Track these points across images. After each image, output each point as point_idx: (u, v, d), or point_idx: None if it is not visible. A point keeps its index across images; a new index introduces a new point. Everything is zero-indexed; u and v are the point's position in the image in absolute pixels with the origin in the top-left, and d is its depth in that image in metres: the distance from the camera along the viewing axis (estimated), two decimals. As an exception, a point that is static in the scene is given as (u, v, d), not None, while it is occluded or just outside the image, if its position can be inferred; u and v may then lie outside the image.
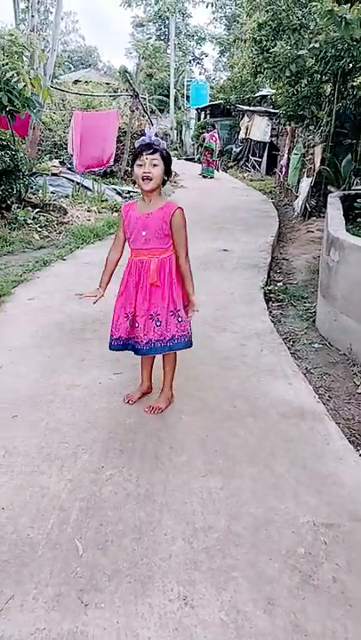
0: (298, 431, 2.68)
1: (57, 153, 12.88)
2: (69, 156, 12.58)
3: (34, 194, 8.53)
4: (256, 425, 2.72)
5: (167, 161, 2.54)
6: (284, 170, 12.44)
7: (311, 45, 7.23)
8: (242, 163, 20.35)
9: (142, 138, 2.54)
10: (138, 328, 2.64)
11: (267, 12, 8.66)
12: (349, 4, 5.83)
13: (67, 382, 3.13)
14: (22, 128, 8.99)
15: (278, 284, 5.53)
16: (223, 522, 2.03)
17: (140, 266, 2.63)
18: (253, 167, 18.92)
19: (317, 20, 6.90)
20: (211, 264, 5.94)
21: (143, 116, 14.71)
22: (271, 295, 5.08)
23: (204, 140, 17.61)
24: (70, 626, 1.60)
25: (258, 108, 19.23)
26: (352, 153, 7.99)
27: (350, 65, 7.46)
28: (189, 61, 38.44)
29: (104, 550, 1.88)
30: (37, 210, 7.86)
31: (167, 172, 2.56)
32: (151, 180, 2.49)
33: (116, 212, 9.40)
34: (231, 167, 20.53)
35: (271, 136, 17.02)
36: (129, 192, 11.23)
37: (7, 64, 6.49)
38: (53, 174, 10.39)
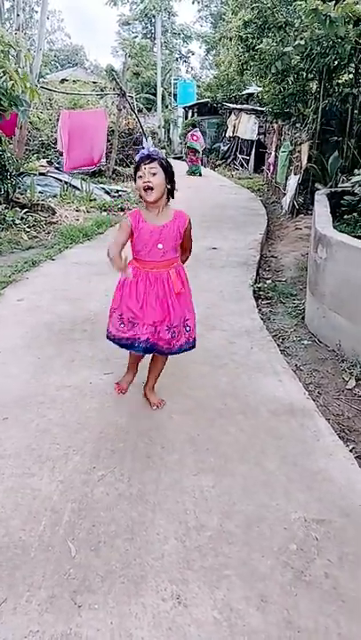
0: (288, 428, 2.69)
1: (44, 152, 12.81)
2: (57, 155, 12.51)
3: (22, 194, 8.47)
4: (247, 422, 2.73)
5: (167, 170, 2.52)
6: (271, 168, 12.48)
7: (296, 43, 7.24)
8: (230, 161, 20.36)
9: (141, 151, 2.54)
10: (162, 336, 2.66)
11: (252, 9, 8.68)
12: (333, 2, 5.86)
13: (57, 383, 3.11)
14: (9, 127, 8.91)
15: (267, 281, 5.55)
16: (215, 520, 2.04)
17: (158, 277, 2.61)
18: (241, 165, 18.95)
19: (302, 18, 6.91)
20: (200, 262, 5.94)
21: (131, 115, 14.68)
22: (260, 293, 5.10)
23: (184, 137, 17.64)
24: (64, 627, 1.59)
25: (245, 106, 19.26)
26: (339, 150, 8.02)
27: (335, 62, 7.51)
28: (176, 59, 38.34)
29: (97, 551, 1.88)
30: (25, 210, 7.81)
31: (171, 181, 2.56)
32: (153, 189, 2.47)
33: (105, 211, 9.38)
34: (219, 165, 20.53)
35: (258, 134, 17.04)
36: (117, 191, 11.20)
37: (-7, 63, 6.43)
38: (41, 174, 10.32)
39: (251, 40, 8.86)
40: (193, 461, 2.40)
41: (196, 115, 25.59)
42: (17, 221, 7.28)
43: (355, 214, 4.90)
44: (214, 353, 3.59)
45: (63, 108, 13.77)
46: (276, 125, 11.75)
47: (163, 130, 27.26)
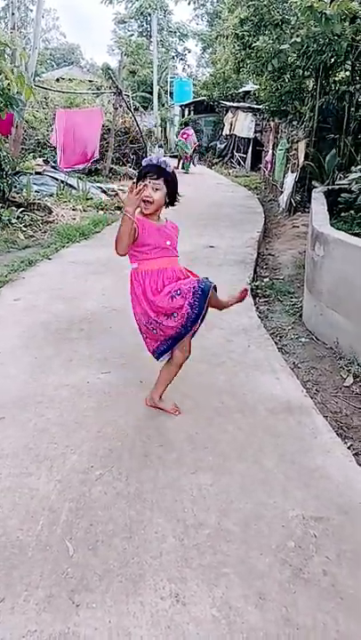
0: (286, 426, 2.69)
1: (40, 151, 12.78)
2: (54, 154, 12.48)
3: (18, 193, 8.45)
4: (245, 421, 2.73)
5: (172, 185, 2.55)
6: (268, 166, 12.47)
7: (293, 40, 7.23)
8: (226, 159, 20.36)
9: (150, 158, 2.55)
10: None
11: (248, 7, 8.66)
12: (329, 0, 5.85)
13: (55, 383, 3.11)
14: (5, 126, 8.88)
15: (265, 279, 5.55)
16: (213, 518, 2.04)
17: (170, 268, 2.62)
18: (238, 163, 18.94)
19: (298, 16, 6.90)
20: (197, 260, 5.93)
21: (127, 114, 14.65)
22: (258, 291, 5.10)
23: (177, 136, 17.66)
24: (62, 627, 1.59)
25: (241, 104, 19.25)
26: (335, 148, 8.02)
27: (332, 60, 7.50)
28: (172, 58, 38.29)
29: (94, 550, 1.88)
30: (22, 209, 7.79)
31: (172, 195, 2.59)
32: (151, 203, 2.51)
33: (102, 210, 9.36)
34: (216, 163, 20.52)
35: (255, 132, 17.04)
36: (114, 190, 11.17)
37: (-12, 62, 6.40)
38: (37, 173, 10.30)
39: (247, 38, 8.84)
40: (191, 460, 2.40)
41: (192, 113, 25.57)
42: (13, 221, 7.27)
43: (352, 212, 4.90)
44: (212, 351, 3.58)
45: (59, 107, 13.74)
46: (272, 123, 11.74)
47: (160, 128, 27.21)
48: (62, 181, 10.32)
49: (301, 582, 1.76)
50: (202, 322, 2.61)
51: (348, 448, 2.55)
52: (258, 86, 11.57)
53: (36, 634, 1.57)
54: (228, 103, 21.02)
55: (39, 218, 7.85)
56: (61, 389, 3.03)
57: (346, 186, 5.55)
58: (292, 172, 9.15)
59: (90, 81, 22.82)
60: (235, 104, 20.13)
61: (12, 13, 10.99)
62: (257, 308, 4.60)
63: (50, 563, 1.82)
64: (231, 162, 19.74)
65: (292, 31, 7.91)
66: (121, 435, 2.59)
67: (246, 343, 3.73)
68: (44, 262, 5.89)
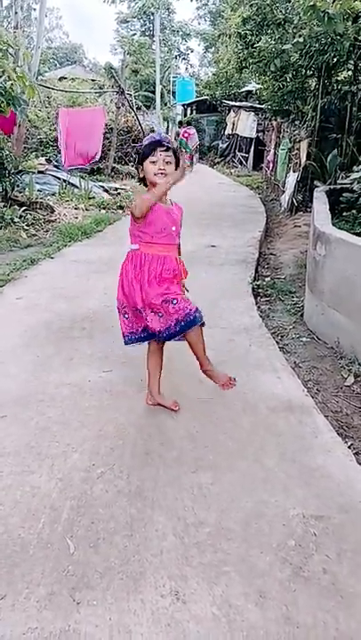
0: (287, 425, 2.69)
1: (43, 150, 12.80)
2: (56, 153, 12.50)
3: (20, 192, 8.47)
4: (245, 419, 2.73)
5: (178, 160, 2.52)
6: (270, 165, 12.46)
7: (295, 40, 7.24)
8: (228, 159, 20.36)
9: (151, 135, 2.54)
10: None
11: (251, 6, 8.66)
12: (332, -1, 5.84)
13: (56, 381, 3.11)
14: (8, 126, 8.91)
15: (266, 279, 5.55)
16: (214, 516, 2.04)
17: (165, 257, 2.56)
18: (240, 163, 18.94)
19: (301, 15, 6.90)
20: (199, 260, 5.94)
21: (129, 113, 14.66)
22: (259, 290, 5.10)
23: (178, 135, 17.67)
24: (62, 624, 1.60)
25: (244, 104, 19.25)
26: (337, 147, 8.02)
27: (335, 59, 7.49)
28: (175, 57, 38.30)
29: (95, 548, 1.88)
30: (24, 208, 7.81)
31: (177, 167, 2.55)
32: (166, 175, 2.47)
33: (104, 209, 9.37)
34: (218, 163, 20.52)
35: (257, 131, 17.04)
36: (116, 189, 11.19)
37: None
38: (40, 172, 10.32)
39: (250, 37, 8.85)
40: (192, 458, 2.40)
41: (195, 112, 25.58)
42: (15, 220, 7.29)
43: (354, 211, 4.90)
44: (213, 350, 3.56)
45: (62, 106, 13.75)
46: (275, 123, 11.74)
47: (162, 127, 27.21)
48: (64, 180, 10.34)
49: (302, 581, 1.76)
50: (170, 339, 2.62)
51: (349, 447, 2.55)
52: (260, 86, 11.57)
53: (37, 631, 1.57)
54: (230, 102, 21.02)
55: (41, 217, 7.87)
56: (63, 388, 3.03)
57: (348, 185, 5.55)
58: (294, 171, 9.15)
59: (92, 80, 22.86)
60: (237, 103, 20.13)
61: (15, 12, 11.01)
62: (258, 307, 4.60)
63: (51, 560, 1.83)
64: (233, 161, 19.74)
65: (294, 31, 7.91)
66: (122, 433, 2.59)
67: (248, 342, 3.74)
68: (46, 261, 5.90)
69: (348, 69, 8.07)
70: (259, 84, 12.36)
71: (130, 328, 2.69)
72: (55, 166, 11.69)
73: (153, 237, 2.53)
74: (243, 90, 21.19)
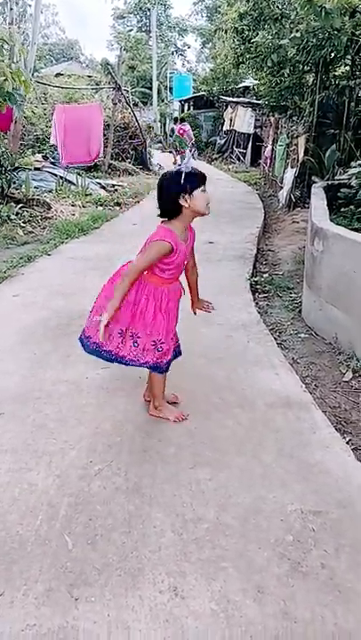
0: (285, 421, 2.69)
1: (39, 147, 12.74)
2: (52, 150, 12.45)
3: (17, 189, 8.42)
4: (244, 416, 2.73)
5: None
6: (268, 161, 12.44)
7: (292, 35, 7.20)
8: (226, 154, 20.30)
9: (190, 166, 2.37)
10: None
11: (248, 1, 8.62)
12: (329, -6, 5.81)
13: (53, 378, 3.11)
14: (4, 122, 8.87)
15: (264, 275, 5.54)
16: (212, 513, 2.04)
17: (176, 290, 2.54)
18: (238, 159, 18.89)
19: (298, 10, 6.87)
20: (197, 256, 5.91)
21: (126, 109, 14.60)
22: (257, 286, 5.09)
23: (173, 132, 17.71)
24: (61, 621, 1.60)
25: (241, 100, 19.19)
26: (335, 143, 8.00)
27: (332, 54, 7.47)
28: (172, 53, 38.18)
29: (93, 545, 1.88)
30: (21, 205, 7.77)
31: None
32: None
33: (101, 206, 9.33)
34: (216, 159, 20.47)
35: (255, 127, 16.98)
36: (113, 186, 11.16)
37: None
38: (36, 169, 10.27)
39: (246, 32, 8.82)
40: (190, 454, 2.40)
41: (192, 108, 25.50)
42: (12, 217, 7.25)
43: (351, 207, 4.89)
44: (211, 347, 3.58)
45: (58, 103, 13.69)
46: (272, 118, 11.70)
47: (159, 124, 27.15)
48: (61, 177, 10.30)
49: (300, 576, 1.77)
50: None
51: (347, 443, 2.55)
52: (257, 81, 11.53)
53: (35, 628, 1.57)
54: (227, 98, 20.95)
55: (38, 214, 7.84)
56: (60, 385, 3.03)
57: (346, 181, 5.53)
58: (292, 167, 9.12)
59: (89, 76, 22.76)
60: (234, 99, 20.06)
61: (11, 8, 10.94)
62: (256, 303, 4.60)
63: (49, 557, 1.83)
64: (231, 157, 19.69)
65: (291, 26, 7.87)
66: (120, 430, 2.59)
67: (246, 339, 3.73)
68: (43, 258, 5.88)
69: (346, 64, 8.04)
70: (256, 79, 12.32)
71: (138, 358, 2.51)
72: (52, 163, 11.64)
73: (173, 274, 2.45)
74: (240, 85, 21.12)
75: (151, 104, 28.32)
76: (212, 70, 24.68)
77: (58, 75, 20.89)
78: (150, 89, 28.82)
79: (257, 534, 1.94)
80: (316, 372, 3.34)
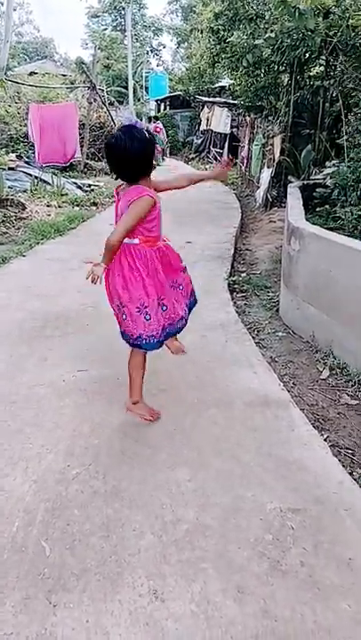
0: (263, 419, 2.70)
1: (13, 146, 12.56)
2: (27, 149, 12.29)
3: (-10, 189, 8.29)
4: (221, 415, 2.73)
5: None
6: (245, 161, 12.50)
7: (267, 35, 7.25)
8: (203, 154, 20.35)
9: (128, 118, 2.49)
10: (169, 309, 2.58)
11: (223, 1, 8.64)
12: (303, -6, 5.86)
13: (30, 382, 3.06)
14: (-24, 121, 8.73)
15: (242, 274, 5.57)
16: (192, 513, 2.03)
17: (164, 251, 2.57)
18: (215, 159, 18.95)
19: (273, 10, 6.91)
20: (174, 256, 5.91)
21: (102, 108, 14.51)
22: (235, 286, 5.11)
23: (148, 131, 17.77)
24: (39, 628, 1.57)
25: (217, 100, 19.26)
26: (311, 143, 8.08)
27: (306, 55, 7.53)
28: (147, 52, 38.06)
29: (71, 550, 1.85)
30: (-5, 205, 7.66)
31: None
32: None
33: (77, 206, 9.25)
34: (193, 159, 20.50)
35: (232, 127, 17.07)
36: (89, 185, 11.07)
37: None
38: (10, 168, 10.14)
39: (222, 32, 8.83)
40: (168, 455, 2.39)
41: (168, 108, 25.49)
42: (-14, 217, 7.14)
43: (327, 206, 4.94)
44: (189, 347, 3.56)
45: (32, 102, 13.52)
46: (248, 118, 11.76)
47: (137, 120, 26.99)
48: (36, 177, 10.17)
49: (279, 574, 1.77)
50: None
51: (325, 440, 2.57)
52: (233, 81, 11.56)
53: (13, 636, 1.54)
54: (204, 98, 21.01)
55: (12, 214, 7.72)
56: (37, 388, 2.98)
57: (321, 181, 5.60)
58: (268, 167, 9.19)
59: (63, 75, 22.52)
60: (211, 99, 20.12)
61: (-18, 5, 10.75)
62: (234, 303, 4.61)
63: (26, 564, 1.79)
64: (208, 157, 19.74)
65: (266, 26, 7.92)
66: (97, 432, 2.56)
67: (224, 338, 3.73)
68: (17, 259, 5.80)
69: (320, 65, 8.13)
70: (232, 79, 12.36)
71: (150, 330, 2.46)
72: (26, 162, 11.50)
73: (152, 231, 2.45)
74: (216, 85, 21.20)
75: (127, 103, 28.20)
76: (187, 70, 24.73)
77: (32, 73, 20.60)
78: (126, 88, 28.68)
79: (237, 534, 1.94)
80: (293, 371, 3.36)
